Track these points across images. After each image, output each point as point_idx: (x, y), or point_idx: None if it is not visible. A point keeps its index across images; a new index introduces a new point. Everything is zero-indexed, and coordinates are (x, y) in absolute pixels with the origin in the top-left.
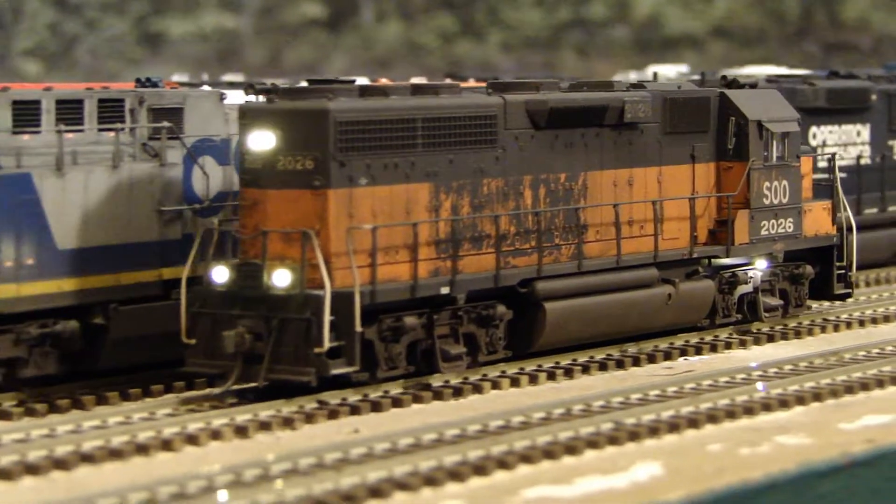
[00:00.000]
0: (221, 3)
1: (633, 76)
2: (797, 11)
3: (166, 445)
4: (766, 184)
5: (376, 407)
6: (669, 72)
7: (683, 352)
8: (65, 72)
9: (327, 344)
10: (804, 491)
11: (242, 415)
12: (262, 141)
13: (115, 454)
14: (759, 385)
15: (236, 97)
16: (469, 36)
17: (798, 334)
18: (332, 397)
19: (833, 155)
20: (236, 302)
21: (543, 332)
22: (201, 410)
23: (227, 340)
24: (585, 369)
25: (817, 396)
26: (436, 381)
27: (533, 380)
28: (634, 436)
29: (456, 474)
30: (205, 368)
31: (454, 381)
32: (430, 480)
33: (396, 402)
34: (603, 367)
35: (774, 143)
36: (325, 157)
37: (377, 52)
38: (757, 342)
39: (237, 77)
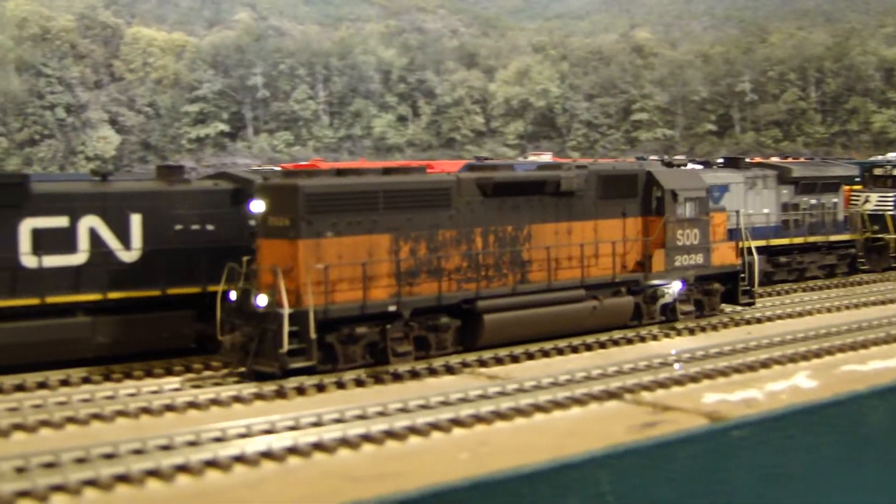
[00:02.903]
0: (665, 123)
1: (879, 158)
2: None
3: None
4: (680, 231)
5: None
6: None
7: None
8: (591, 156)
9: (286, 346)
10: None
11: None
12: (259, 206)
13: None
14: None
15: (691, 166)
16: (789, 139)
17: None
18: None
19: (737, 212)
20: (240, 315)
21: (483, 335)
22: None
23: (226, 342)
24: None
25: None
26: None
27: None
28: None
29: (806, 357)
30: (223, 358)
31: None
32: (793, 359)
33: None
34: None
35: (687, 204)
36: (296, 217)
37: (742, 147)
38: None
39: (681, 157)
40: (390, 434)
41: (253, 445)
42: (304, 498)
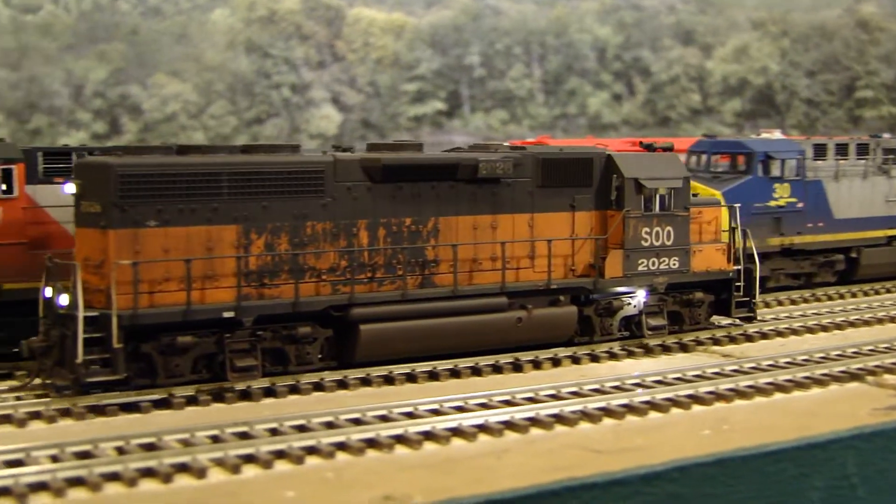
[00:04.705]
0: (891, 101)
1: None
2: None
3: None
4: (646, 229)
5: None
6: None
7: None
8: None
9: (81, 356)
10: None
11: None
12: (72, 188)
13: None
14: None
15: None
16: None
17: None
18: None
19: (733, 207)
20: (50, 315)
21: (359, 349)
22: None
23: (23, 346)
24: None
25: None
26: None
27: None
28: None
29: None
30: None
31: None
32: None
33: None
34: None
35: (657, 196)
36: (107, 202)
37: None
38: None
39: None
40: (630, 408)
41: (495, 416)
42: (548, 469)
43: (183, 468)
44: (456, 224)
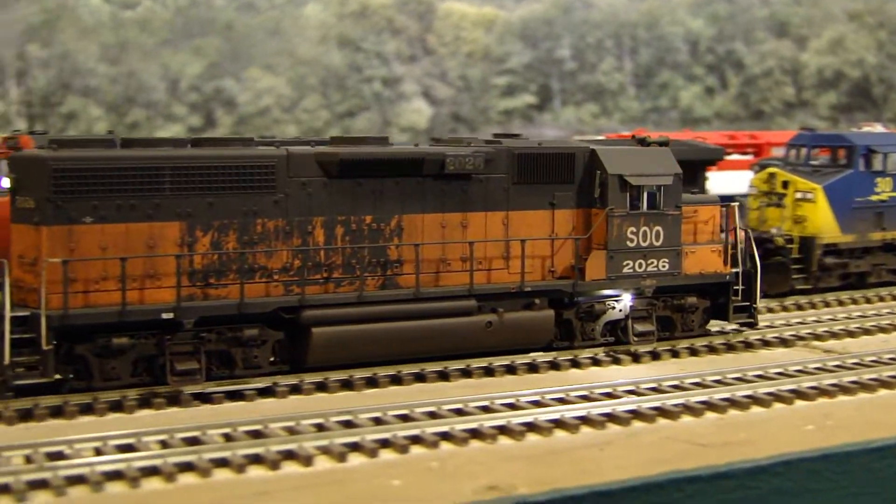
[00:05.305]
0: None
1: None
2: None
3: None
4: (632, 229)
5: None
6: None
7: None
8: None
9: (8, 357)
10: None
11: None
12: (7, 182)
13: None
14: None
15: None
16: None
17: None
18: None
19: (728, 206)
20: None
21: (312, 353)
22: None
23: None
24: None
25: None
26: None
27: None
28: None
29: None
30: None
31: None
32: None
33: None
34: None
35: (645, 194)
36: (41, 198)
37: None
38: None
39: None
40: (732, 402)
41: (597, 408)
42: (651, 461)
43: (289, 455)
44: (422, 222)
